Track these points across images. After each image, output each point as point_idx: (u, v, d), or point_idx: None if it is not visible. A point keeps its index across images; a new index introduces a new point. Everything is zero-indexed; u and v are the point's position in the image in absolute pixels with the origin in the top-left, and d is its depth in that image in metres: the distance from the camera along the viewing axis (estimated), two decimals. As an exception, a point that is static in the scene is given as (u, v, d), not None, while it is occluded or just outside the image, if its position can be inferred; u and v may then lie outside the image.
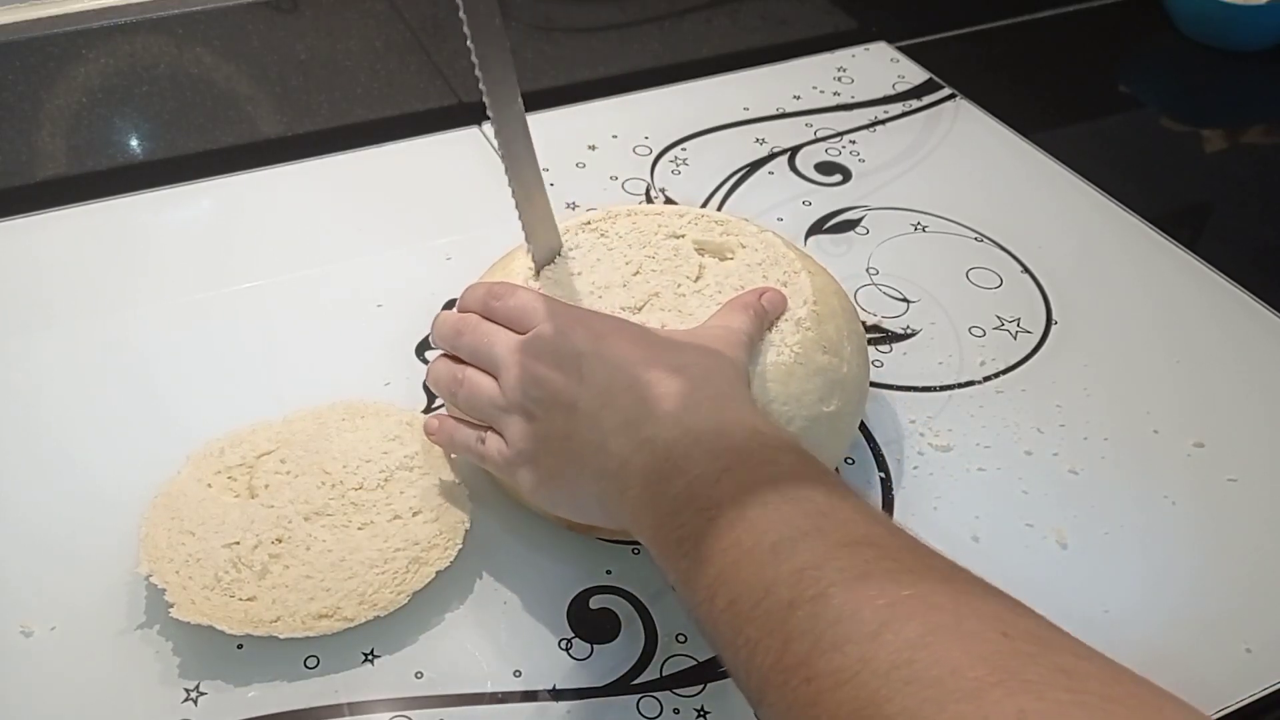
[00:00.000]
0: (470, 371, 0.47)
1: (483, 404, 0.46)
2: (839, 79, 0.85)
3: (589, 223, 0.55)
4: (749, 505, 0.36)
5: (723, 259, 0.54)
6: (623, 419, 0.41)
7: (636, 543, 0.50)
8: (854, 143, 0.79)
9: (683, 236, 0.54)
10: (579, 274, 0.52)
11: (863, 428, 0.56)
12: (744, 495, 0.36)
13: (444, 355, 0.50)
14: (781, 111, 0.81)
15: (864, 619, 0.31)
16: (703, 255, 0.54)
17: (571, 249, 0.54)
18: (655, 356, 0.43)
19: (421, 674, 0.45)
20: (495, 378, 0.46)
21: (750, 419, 0.41)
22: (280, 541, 0.47)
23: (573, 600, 0.48)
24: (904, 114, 0.82)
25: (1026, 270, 0.68)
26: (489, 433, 0.47)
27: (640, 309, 0.50)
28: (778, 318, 0.49)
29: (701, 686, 0.45)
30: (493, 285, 0.49)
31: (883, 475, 0.54)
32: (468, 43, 0.44)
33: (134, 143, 0.74)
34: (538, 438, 0.44)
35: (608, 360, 0.43)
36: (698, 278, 0.52)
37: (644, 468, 0.40)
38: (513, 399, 0.45)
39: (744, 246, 0.54)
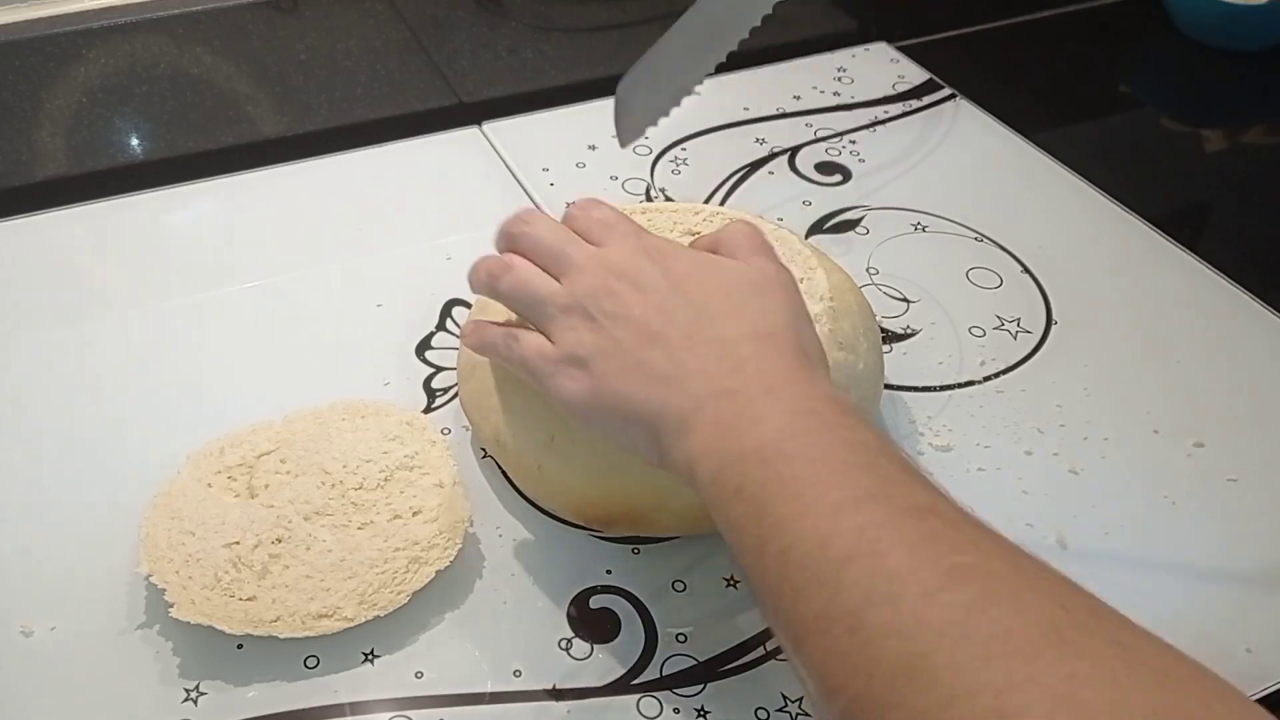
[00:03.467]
0: (522, 261, 0.46)
1: (533, 295, 0.45)
2: (839, 79, 0.85)
3: None
4: (818, 462, 0.35)
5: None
6: (703, 365, 0.40)
7: (637, 542, 0.50)
8: (854, 143, 0.79)
9: (697, 234, 0.54)
10: None
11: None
12: (814, 453, 0.36)
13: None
14: (781, 111, 0.81)
15: (921, 579, 0.31)
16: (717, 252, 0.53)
17: None
18: (740, 310, 0.42)
19: (421, 674, 0.45)
20: (558, 278, 0.44)
21: (828, 388, 0.40)
22: (280, 541, 0.47)
23: (573, 600, 0.48)
24: (904, 114, 0.82)
25: (1026, 270, 0.68)
26: (527, 330, 0.45)
27: None
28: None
29: (701, 686, 0.45)
30: (580, 199, 0.47)
31: (883, 475, 0.54)
32: None
33: (134, 143, 0.74)
34: (598, 347, 0.42)
35: (693, 303, 0.42)
36: None
37: (717, 417, 0.38)
38: (577, 300, 0.43)
39: None
